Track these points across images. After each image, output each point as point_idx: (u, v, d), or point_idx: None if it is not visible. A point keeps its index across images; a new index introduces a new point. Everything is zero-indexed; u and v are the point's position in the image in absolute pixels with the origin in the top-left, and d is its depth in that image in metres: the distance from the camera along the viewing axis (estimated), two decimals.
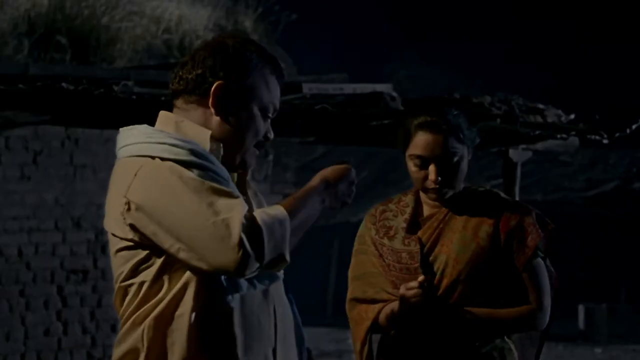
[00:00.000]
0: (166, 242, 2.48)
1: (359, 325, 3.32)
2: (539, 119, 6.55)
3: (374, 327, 3.29)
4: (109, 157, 9.41)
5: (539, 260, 3.30)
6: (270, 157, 10.65)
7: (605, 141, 6.68)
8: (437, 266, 3.24)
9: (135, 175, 2.52)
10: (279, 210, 2.51)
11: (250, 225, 2.43)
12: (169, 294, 2.52)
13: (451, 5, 24.72)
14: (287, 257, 2.48)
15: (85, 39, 9.18)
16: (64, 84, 5.36)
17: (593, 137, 6.66)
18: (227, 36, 2.70)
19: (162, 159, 2.51)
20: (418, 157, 3.25)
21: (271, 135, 2.72)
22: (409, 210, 3.34)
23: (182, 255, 2.47)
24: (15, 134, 8.68)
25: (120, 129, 2.67)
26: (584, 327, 14.79)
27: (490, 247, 3.23)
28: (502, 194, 3.36)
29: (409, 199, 3.37)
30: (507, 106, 6.47)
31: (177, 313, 2.51)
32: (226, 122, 2.63)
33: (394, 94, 6.18)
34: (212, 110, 2.62)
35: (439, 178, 3.22)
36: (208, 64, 2.62)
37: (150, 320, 2.52)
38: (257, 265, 2.44)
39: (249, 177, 2.75)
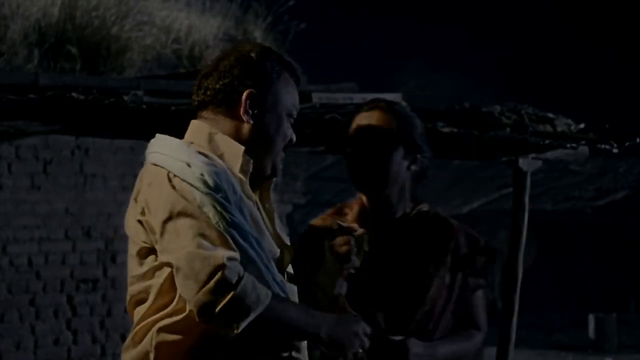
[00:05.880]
0: (160, 251, 2.54)
1: None
2: (549, 128, 6.54)
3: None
4: (119, 167, 9.49)
5: (483, 285, 3.27)
6: (280, 166, 10.65)
7: (615, 150, 6.66)
8: (396, 290, 3.15)
9: (150, 185, 2.56)
10: (265, 291, 2.48)
11: (231, 275, 2.41)
12: (180, 303, 2.52)
13: (458, 13, 24.72)
14: (239, 328, 2.44)
15: (95, 49, 9.21)
16: (74, 94, 5.37)
17: (603, 146, 6.65)
18: (246, 45, 2.75)
19: (175, 175, 2.53)
20: (351, 137, 3.20)
21: (294, 138, 2.77)
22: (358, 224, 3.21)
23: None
24: (25, 144, 8.70)
25: (158, 135, 2.71)
26: (594, 337, 14.76)
27: (447, 277, 3.18)
28: (450, 218, 3.28)
29: (355, 212, 3.25)
30: (517, 115, 6.46)
31: (191, 322, 2.51)
32: (258, 129, 2.68)
33: (404, 103, 6.17)
34: (244, 117, 2.66)
35: (366, 156, 3.13)
36: (235, 74, 2.66)
37: (160, 324, 2.54)
38: (211, 311, 2.41)
39: (272, 187, 2.78)
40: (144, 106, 5.65)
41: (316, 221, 3.30)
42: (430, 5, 24.69)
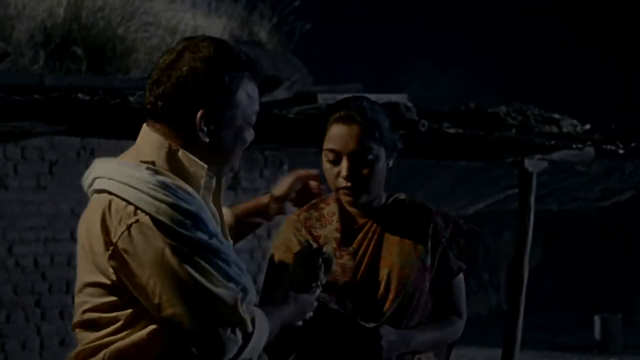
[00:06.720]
0: (150, 300, 2.41)
1: None
2: (555, 129, 6.53)
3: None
4: None
5: (463, 268, 3.25)
6: (285, 167, 10.65)
7: (621, 151, 6.66)
8: (380, 279, 3.11)
9: (129, 227, 2.41)
10: (265, 321, 2.53)
11: (244, 317, 2.42)
12: (137, 332, 2.45)
13: (463, 14, 24.72)
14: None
15: (101, 50, 9.22)
16: (79, 95, 5.37)
17: (609, 147, 6.64)
18: (200, 47, 2.53)
19: (153, 217, 2.40)
20: (331, 150, 3.12)
21: (252, 137, 2.64)
22: (336, 218, 3.19)
23: (169, 314, 2.41)
24: (31, 144, 8.71)
25: (102, 160, 2.58)
26: (600, 338, 14.74)
27: (428, 259, 3.15)
28: (429, 204, 3.26)
29: (332, 207, 3.21)
30: (523, 116, 6.46)
31: (145, 348, 2.45)
32: (215, 144, 2.54)
33: (409, 104, 6.16)
34: (200, 135, 2.51)
35: (351, 175, 3.07)
36: (190, 91, 2.49)
37: (112, 348, 2.47)
38: (232, 356, 2.43)
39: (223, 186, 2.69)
40: None
41: (290, 217, 3.26)
42: (435, 6, 24.68)
